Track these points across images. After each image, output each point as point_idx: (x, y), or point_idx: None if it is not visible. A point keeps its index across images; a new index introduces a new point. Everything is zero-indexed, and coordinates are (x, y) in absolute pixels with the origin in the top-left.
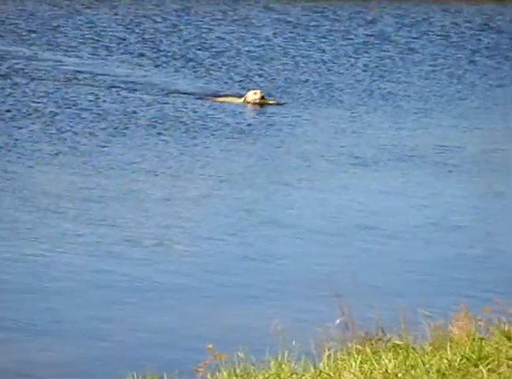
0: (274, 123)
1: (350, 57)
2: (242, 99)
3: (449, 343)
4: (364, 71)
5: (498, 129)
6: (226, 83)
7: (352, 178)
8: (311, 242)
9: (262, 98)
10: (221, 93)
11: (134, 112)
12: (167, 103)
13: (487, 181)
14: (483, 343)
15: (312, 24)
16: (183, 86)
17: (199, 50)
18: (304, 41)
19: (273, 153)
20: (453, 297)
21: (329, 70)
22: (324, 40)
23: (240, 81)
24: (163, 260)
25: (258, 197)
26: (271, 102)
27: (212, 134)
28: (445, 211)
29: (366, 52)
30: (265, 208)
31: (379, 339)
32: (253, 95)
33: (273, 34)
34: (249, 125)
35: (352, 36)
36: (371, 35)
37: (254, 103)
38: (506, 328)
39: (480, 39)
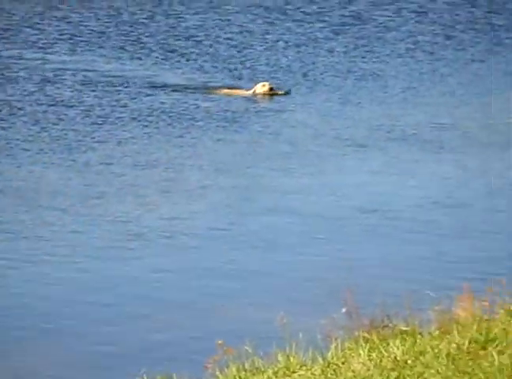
0: (263, 111)
1: (329, 39)
2: (251, 91)
3: (455, 326)
4: (344, 53)
5: (485, 103)
6: (208, 72)
7: (348, 161)
8: (312, 227)
9: (271, 89)
10: (229, 86)
11: (124, 106)
12: (171, 98)
13: (481, 156)
14: (490, 325)
15: (288, 7)
16: (179, 80)
17: (179, 40)
18: (281, 26)
19: (264, 141)
20: (456, 277)
21: (309, 54)
22: (301, 24)
23: (224, 69)
24: (166, 254)
25: (256, 185)
26: (280, 92)
27: (206, 125)
28: (443, 189)
29: (344, 33)
30: (263, 195)
31: (385, 326)
32: (261, 88)
33: (251, 20)
34: (242, 115)
35: (328, 18)
36: (348, 16)
37: (264, 94)
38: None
39: (456, 14)
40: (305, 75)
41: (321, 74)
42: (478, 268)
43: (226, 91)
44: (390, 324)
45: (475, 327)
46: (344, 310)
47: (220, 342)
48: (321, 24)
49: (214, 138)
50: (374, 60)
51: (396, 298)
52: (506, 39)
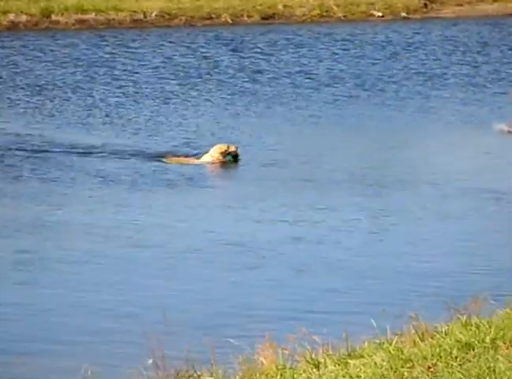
0: None
1: None
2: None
3: (259, 375)
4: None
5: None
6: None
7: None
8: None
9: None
10: (178, 153)
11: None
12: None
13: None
14: (293, 373)
15: None
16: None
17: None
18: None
19: None
20: (260, 325)
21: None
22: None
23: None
24: None
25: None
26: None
27: None
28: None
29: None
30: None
31: (190, 377)
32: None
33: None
34: None
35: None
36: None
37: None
38: (313, 356)
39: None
40: None
41: None
42: (282, 316)
43: (177, 159)
44: (195, 374)
45: (279, 376)
46: (150, 361)
47: None
48: None
49: None
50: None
51: (203, 348)
52: None
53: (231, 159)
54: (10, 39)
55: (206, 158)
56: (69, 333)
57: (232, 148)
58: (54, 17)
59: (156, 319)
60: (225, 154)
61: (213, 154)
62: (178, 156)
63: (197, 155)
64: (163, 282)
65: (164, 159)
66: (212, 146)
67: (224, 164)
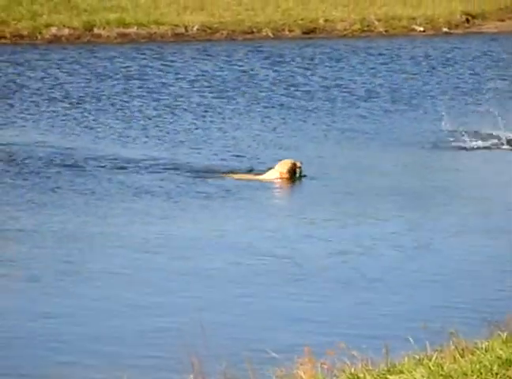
0: None
1: None
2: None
3: None
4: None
5: None
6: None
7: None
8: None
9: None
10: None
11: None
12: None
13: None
14: None
15: None
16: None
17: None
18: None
19: None
20: (299, 339)
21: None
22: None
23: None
24: None
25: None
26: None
27: None
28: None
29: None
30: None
31: None
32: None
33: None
34: None
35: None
36: None
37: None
38: (352, 371)
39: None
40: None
41: None
42: (321, 331)
43: (241, 175)
44: None
45: None
46: (191, 377)
47: None
48: None
49: None
50: None
51: (241, 360)
52: None
53: (298, 176)
54: (50, 51)
55: (272, 174)
56: (107, 346)
57: (298, 164)
58: (96, 31)
59: (195, 332)
60: (292, 170)
61: (281, 170)
62: (237, 172)
63: (260, 172)
64: (203, 294)
65: (223, 175)
66: (276, 162)
67: (289, 181)
